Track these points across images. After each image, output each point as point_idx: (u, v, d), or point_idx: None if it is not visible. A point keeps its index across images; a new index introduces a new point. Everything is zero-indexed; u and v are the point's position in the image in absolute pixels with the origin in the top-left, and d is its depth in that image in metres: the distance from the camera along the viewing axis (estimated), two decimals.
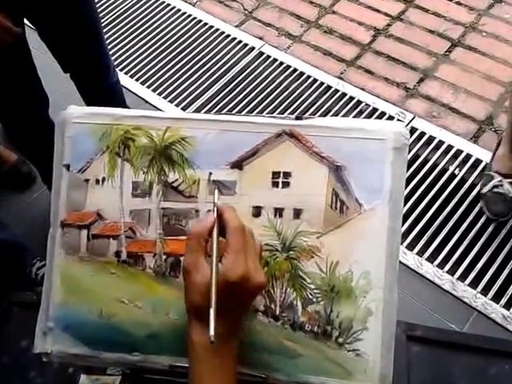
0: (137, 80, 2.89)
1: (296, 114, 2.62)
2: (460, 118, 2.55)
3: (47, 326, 0.85)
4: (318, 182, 0.80)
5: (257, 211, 0.82)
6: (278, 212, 0.81)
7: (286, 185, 0.81)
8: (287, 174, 0.81)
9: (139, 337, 0.83)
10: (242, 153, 0.82)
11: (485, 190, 2.15)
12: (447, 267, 2.12)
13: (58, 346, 0.85)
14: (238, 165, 0.83)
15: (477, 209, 2.23)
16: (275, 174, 0.82)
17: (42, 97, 1.99)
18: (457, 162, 2.38)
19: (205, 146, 0.83)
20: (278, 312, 0.81)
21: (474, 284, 2.08)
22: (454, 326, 1.97)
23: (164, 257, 0.84)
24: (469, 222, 2.21)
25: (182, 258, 0.82)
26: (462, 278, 2.10)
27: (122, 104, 2.29)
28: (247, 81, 2.83)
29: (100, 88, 2.15)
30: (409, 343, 1.01)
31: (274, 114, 2.51)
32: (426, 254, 2.15)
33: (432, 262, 2.13)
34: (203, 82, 2.85)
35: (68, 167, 0.87)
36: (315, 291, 0.80)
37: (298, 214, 0.81)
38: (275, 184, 0.82)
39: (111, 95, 2.22)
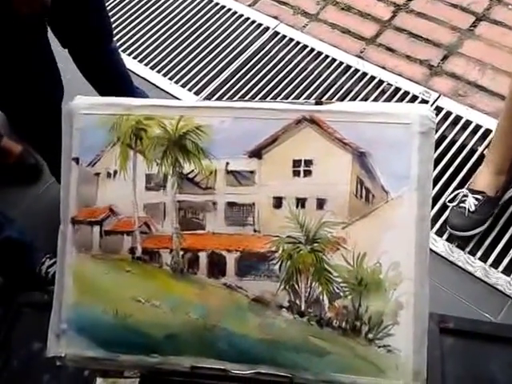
0: (146, 65, 2.87)
1: (314, 96, 2.60)
2: (488, 95, 2.51)
3: (60, 328, 0.85)
4: (341, 170, 0.79)
5: (278, 202, 0.81)
6: (301, 202, 0.80)
7: (307, 173, 0.80)
8: (309, 162, 0.80)
9: (158, 337, 0.83)
10: (261, 141, 0.81)
11: (452, 204, 2.14)
12: (479, 253, 2.09)
13: (72, 348, 0.85)
14: (256, 154, 0.82)
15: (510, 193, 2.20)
16: (296, 163, 0.81)
17: (59, 82, 1.98)
18: (486, 142, 2.34)
19: (221, 134, 0.83)
20: (303, 308, 0.80)
21: (508, 270, 2.04)
22: (488, 316, 1.94)
23: (181, 253, 0.84)
24: (501, 205, 2.18)
25: (200, 254, 0.82)
26: (495, 264, 2.07)
27: (127, 81, 2.30)
28: (262, 63, 2.80)
29: (101, 63, 2.15)
30: (442, 336, 1.00)
31: (292, 100, 2.49)
32: (457, 240, 2.13)
33: (463, 249, 2.10)
34: (216, 65, 2.83)
35: (77, 161, 0.86)
36: (342, 285, 0.79)
37: (321, 203, 0.80)
38: (296, 173, 0.81)
39: (113, 69, 2.23)
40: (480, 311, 1.95)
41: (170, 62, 2.87)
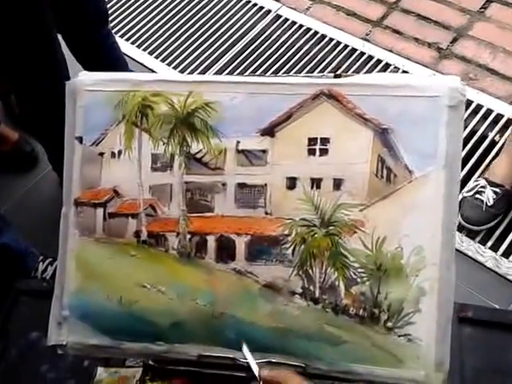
0: (144, 50, 2.84)
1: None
2: (499, 79, 2.48)
3: (62, 315, 0.83)
4: (361, 148, 0.76)
5: (291, 183, 0.78)
6: (316, 183, 0.78)
7: (324, 152, 0.77)
8: (325, 140, 0.77)
9: (163, 325, 0.80)
10: (274, 118, 0.78)
11: (467, 194, 2.10)
12: (489, 243, 2.07)
13: (74, 336, 0.83)
14: (269, 131, 0.79)
15: None
16: (312, 141, 0.78)
17: (63, 60, 1.96)
18: (497, 128, 2.32)
19: (231, 111, 0.80)
20: (317, 294, 0.78)
21: None
22: (498, 306, 1.93)
23: (188, 236, 0.81)
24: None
25: (208, 238, 0.80)
26: (506, 254, 2.05)
27: (122, 66, 2.28)
28: (264, 46, 2.77)
29: (95, 47, 2.13)
30: (460, 325, 0.97)
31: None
32: (467, 230, 2.11)
33: (473, 238, 2.08)
34: (215, 50, 2.80)
35: (81, 140, 0.84)
36: (360, 270, 0.76)
37: (338, 184, 0.77)
38: (312, 152, 0.78)
39: (108, 54, 2.21)
40: (490, 301, 1.94)
41: (169, 46, 2.84)
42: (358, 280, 0.76)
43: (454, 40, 2.63)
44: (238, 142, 0.79)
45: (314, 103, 0.77)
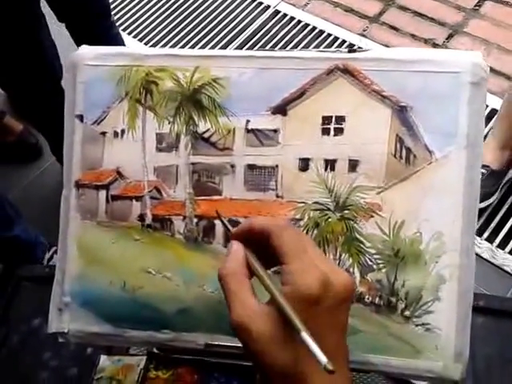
0: (146, 44, 2.78)
1: None
2: (493, 75, 2.43)
3: (63, 301, 0.75)
4: (378, 127, 0.69)
5: (304, 164, 0.71)
6: (330, 164, 0.70)
7: (338, 132, 0.70)
8: (340, 119, 0.70)
9: (169, 312, 0.73)
10: (286, 95, 0.71)
11: None
12: (486, 234, 2.03)
13: (75, 324, 0.75)
14: (280, 110, 0.71)
15: None
16: (326, 120, 0.70)
17: (57, 57, 1.92)
18: (491, 123, 2.26)
19: (240, 88, 0.72)
20: None
21: None
22: (488, 293, 1.87)
23: (195, 220, 0.73)
24: (508, 186, 2.10)
25: (216, 222, 0.72)
26: (502, 245, 2.01)
27: None
28: (263, 42, 2.72)
29: (98, 38, 2.05)
30: (472, 314, 0.91)
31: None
32: None
33: None
34: (215, 45, 2.74)
35: (81, 118, 0.76)
36: (376, 256, 0.69)
37: (353, 166, 0.69)
38: (326, 131, 0.70)
39: (111, 44, 2.13)
40: (486, 292, 1.88)
41: (170, 41, 2.80)
42: (374, 267, 0.69)
43: (450, 36, 2.59)
44: (248, 121, 0.72)
45: (329, 79, 0.70)
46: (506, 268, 1.95)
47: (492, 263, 1.97)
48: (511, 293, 1.90)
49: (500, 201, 2.08)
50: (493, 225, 2.04)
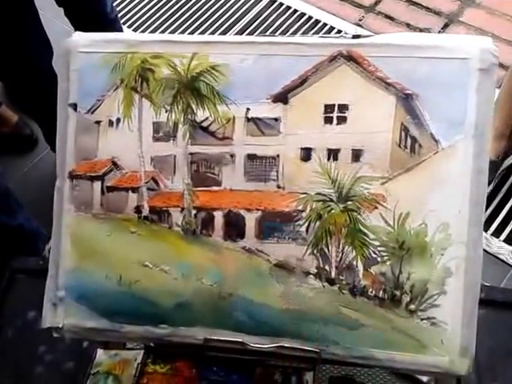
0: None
1: None
2: None
3: (57, 295, 0.73)
4: (382, 115, 0.66)
5: (306, 154, 0.68)
6: (333, 154, 0.67)
7: (341, 120, 0.67)
8: (343, 107, 0.66)
9: (167, 306, 0.70)
10: (287, 82, 0.68)
11: None
12: None
13: (70, 318, 0.73)
14: (282, 97, 0.68)
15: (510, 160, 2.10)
16: (328, 108, 0.67)
17: (45, 45, 1.88)
18: None
19: (240, 75, 0.69)
20: (333, 274, 0.67)
21: (510, 240, 1.97)
22: (489, 285, 1.86)
23: (194, 212, 0.71)
24: (502, 176, 2.08)
25: (215, 214, 0.69)
26: (497, 233, 1.99)
27: None
28: (259, 31, 2.69)
29: (97, 23, 2.01)
30: None
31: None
32: None
33: None
34: (211, 34, 2.70)
35: (75, 107, 0.73)
36: (380, 249, 0.66)
37: (357, 155, 0.66)
38: (328, 120, 0.67)
39: (110, 28, 2.10)
40: (482, 280, 1.86)
41: (164, 31, 2.77)
42: (378, 259, 0.66)
43: (445, 26, 2.56)
44: (248, 110, 0.69)
45: (332, 66, 0.67)
46: (500, 256, 1.94)
47: (487, 251, 1.95)
48: (506, 281, 1.88)
49: (494, 190, 2.07)
50: (487, 213, 2.02)
